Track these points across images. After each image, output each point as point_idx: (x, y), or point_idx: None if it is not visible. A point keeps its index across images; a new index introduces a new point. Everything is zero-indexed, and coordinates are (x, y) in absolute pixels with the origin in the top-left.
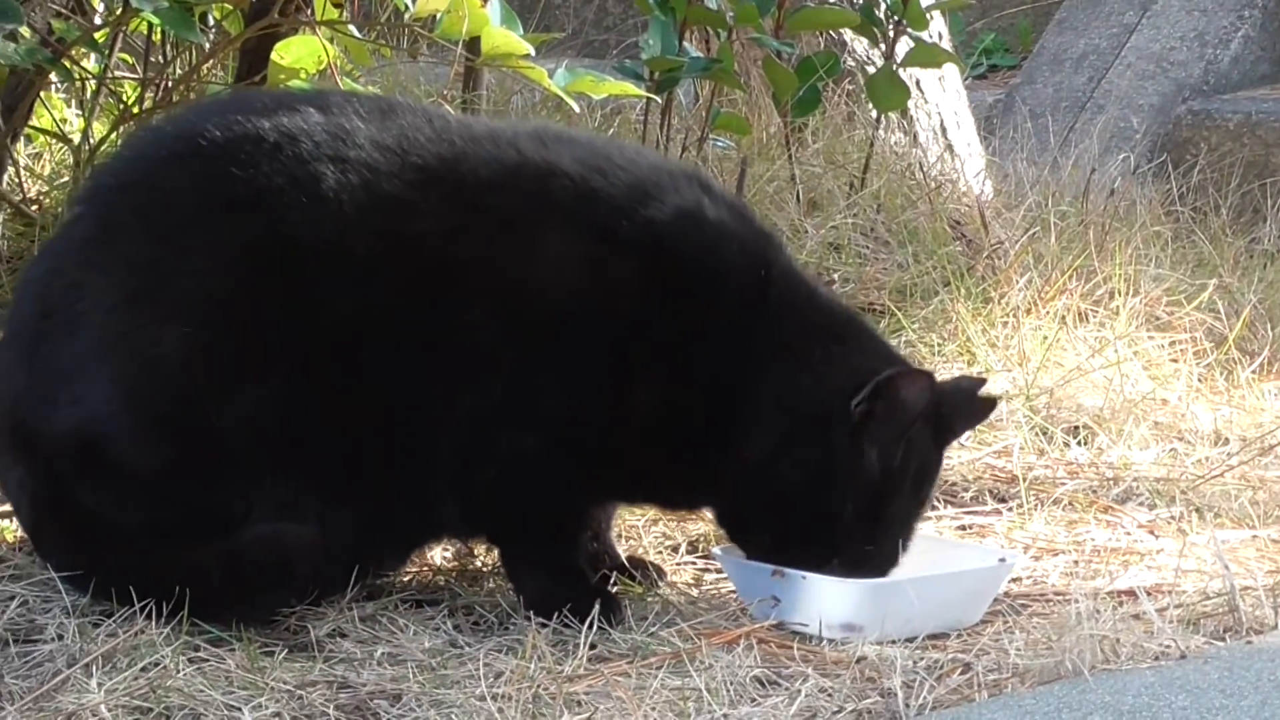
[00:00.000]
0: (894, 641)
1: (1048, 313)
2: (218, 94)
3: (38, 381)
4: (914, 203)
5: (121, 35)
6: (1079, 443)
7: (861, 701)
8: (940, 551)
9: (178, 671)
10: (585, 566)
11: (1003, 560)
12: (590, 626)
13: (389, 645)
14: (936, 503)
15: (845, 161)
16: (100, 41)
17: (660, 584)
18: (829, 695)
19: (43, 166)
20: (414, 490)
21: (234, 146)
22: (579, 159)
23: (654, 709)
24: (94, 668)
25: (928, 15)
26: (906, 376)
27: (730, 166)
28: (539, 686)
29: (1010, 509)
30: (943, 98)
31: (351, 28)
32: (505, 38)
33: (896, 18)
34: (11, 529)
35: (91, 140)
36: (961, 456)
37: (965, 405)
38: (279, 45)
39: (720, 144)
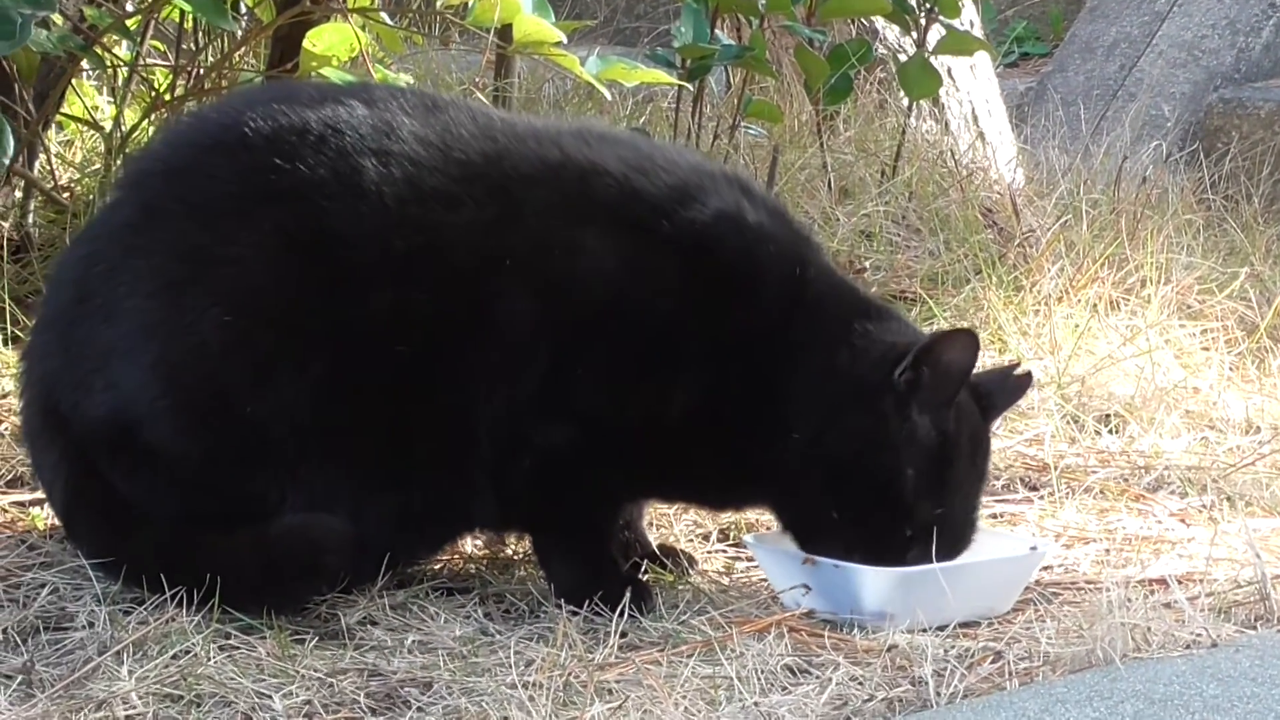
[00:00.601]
0: (925, 630)
1: (1079, 301)
2: (250, 81)
3: (74, 366)
4: (945, 190)
5: (153, 22)
6: (1110, 431)
7: (892, 690)
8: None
9: (208, 659)
10: (617, 555)
11: (1034, 549)
12: (621, 615)
13: (420, 633)
14: None
15: (877, 149)
16: (132, 28)
17: (691, 572)
18: (860, 684)
19: (74, 154)
20: (448, 482)
21: (278, 137)
22: (621, 159)
23: (685, 697)
24: (125, 655)
25: (959, 3)
26: (948, 337)
27: (762, 154)
28: (570, 674)
29: (1041, 497)
30: (974, 85)
31: (384, 15)
32: (537, 25)
33: (928, 5)
34: (43, 516)
35: (123, 128)
36: (993, 445)
37: (1002, 382)
38: (311, 33)
39: (752, 132)
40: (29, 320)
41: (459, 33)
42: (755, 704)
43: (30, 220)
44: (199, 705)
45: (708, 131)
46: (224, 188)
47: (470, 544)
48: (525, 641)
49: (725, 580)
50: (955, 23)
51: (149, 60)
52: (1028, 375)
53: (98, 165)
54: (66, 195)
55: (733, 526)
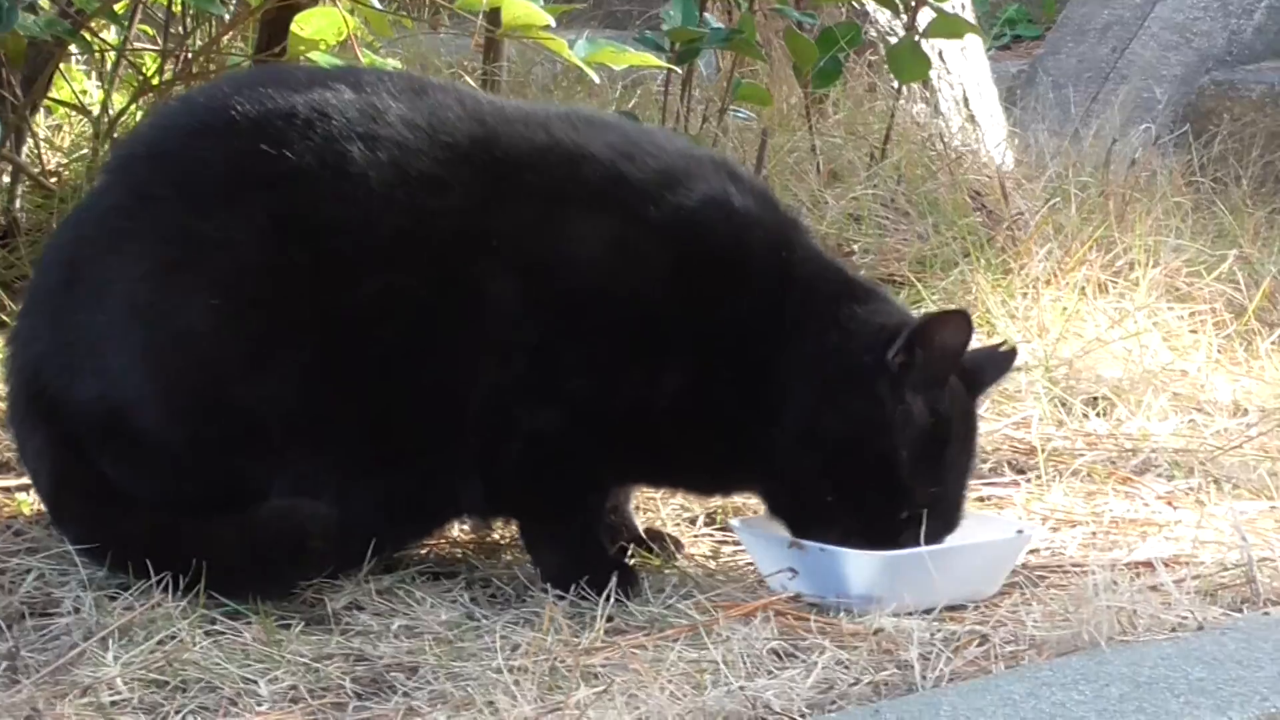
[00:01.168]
0: (911, 614)
1: (1067, 284)
2: (238, 65)
3: (61, 349)
4: (934, 174)
5: (141, 7)
6: (1098, 414)
7: (878, 673)
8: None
9: (194, 644)
10: (603, 539)
11: (1020, 532)
12: (607, 599)
13: (406, 618)
14: None
15: (866, 132)
16: (120, 13)
17: (678, 556)
18: (846, 667)
19: (62, 139)
20: (436, 467)
21: (266, 121)
22: (609, 144)
23: (671, 681)
24: (110, 641)
25: None
26: (941, 318)
27: (751, 137)
28: (556, 659)
29: (1029, 480)
30: (965, 68)
31: None
32: (526, 9)
33: None
34: (29, 502)
35: (111, 112)
36: (981, 427)
37: (988, 359)
38: (299, 16)
39: (741, 115)
40: (16, 306)
41: (448, 16)
42: (741, 688)
43: (18, 205)
44: (184, 690)
45: (697, 115)
46: (212, 172)
47: (457, 529)
48: (511, 626)
49: (711, 564)
50: (945, 5)
51: (137, 44)
52: (1013, 351)
53: (85, 150)
54: (54, 180)
55: (719, 510)
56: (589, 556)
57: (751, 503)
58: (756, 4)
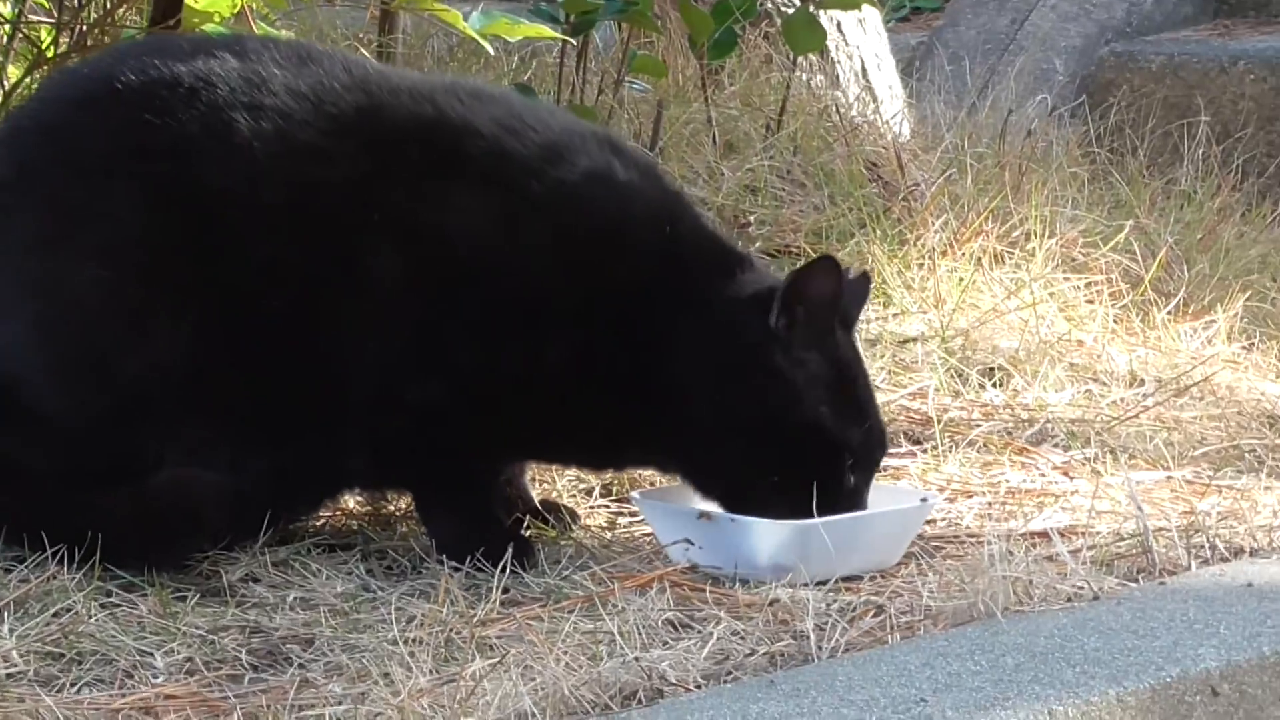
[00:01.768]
0: (807, 584)
1: (964, 254)
2: (132, 38)
3: None
4: (831, 145)
5: None
6: (994, 384)
7: (774, 644)
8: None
9: (90, 617)
10: (499, 510)
11: (924, 500)
12: (503, 570)
13: (301, 590)
14: None
15: (762, 104)
16: None
17: (574, 528)
18: (741, 638)
19: None
20: (324, 438)
21: (149, 91)
22: (494, 118)
23: (566, 652)
24: (5, 613)
25: None
26: (807, 270)
27: (647, 109)
28: (451, 630)
29: (925, 451)
30: (864, 40)
31: None
32: None
33: None
34: None
35: (6, 85)
36: (877, 399)
37: (848, 289)
38: None
39: (637, 87)
40: None
41: None
42: (636, 659)
43: None
44: (80, 663)
45: (592, 87)
46: (96, 143)
47: (352, 501)
48: (407, 598)
49: (608, 535)
50: None
51: (32, 17)
52: (865, 276)
53: None
54: None
55: (615, 482)
56: (484, 528)
57: (648, 475)
58: None
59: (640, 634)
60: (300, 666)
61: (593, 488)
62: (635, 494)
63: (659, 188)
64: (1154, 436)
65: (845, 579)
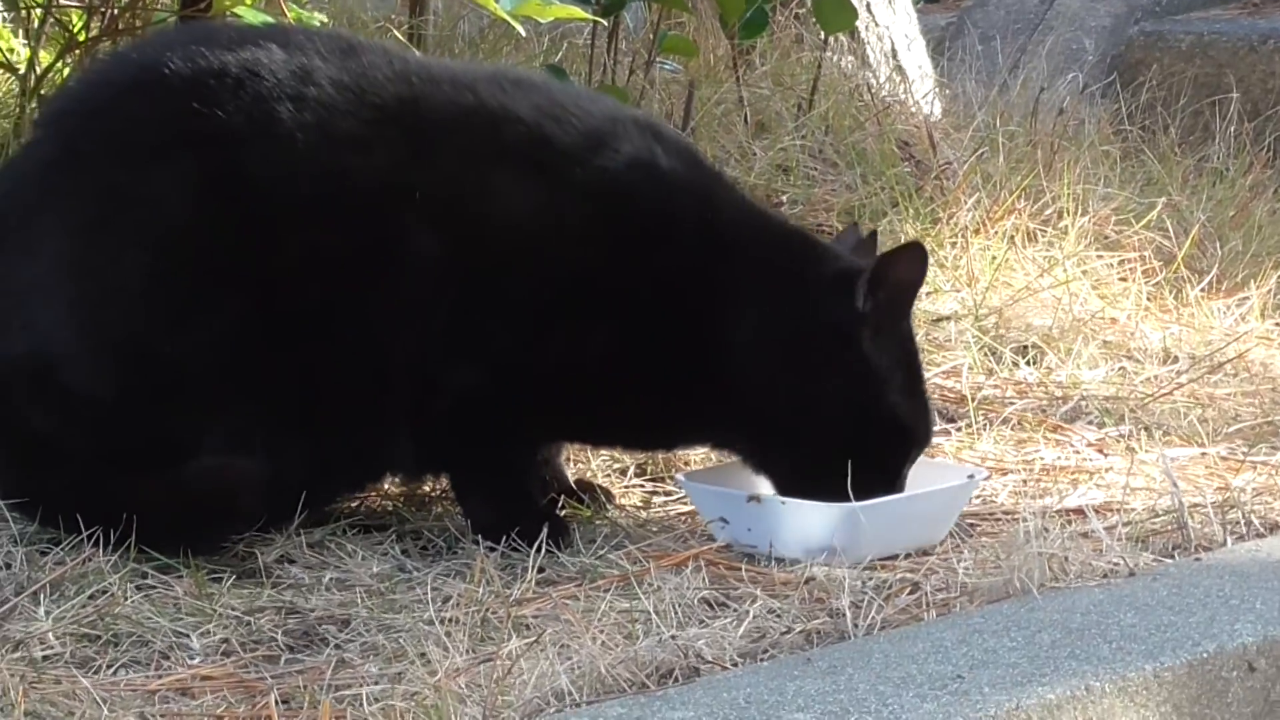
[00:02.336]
0: (848, 565)
1: (996, 233)
2: (164, 21)
3: None
4: (862, 124)
5: None
6: (1028, 362)
7: (810, 622)
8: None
9: (125, 599)
10: (534, 491)
11: (971, 477)
12: (538, 550)
13: (337, 571)
14: None
15: (793, 84)
16: None
17: (609, 507)
18: (777, 616)
19: None
20: (366, 423)
21: (197, 79)
22: (535, 105)
23: (602, 631)
24: (42, 595)
25: None
26: (896, 255)
27: (678, 90)
28: (487, 610)
29: (959, 429)
30: (893, 20)
31: None
32: None
33: None
34: None
35: (38, 69)
36: None
37: (860, 249)
38: None
39: (667, 67)
40: None
41: None
42: (673, 637)
43: None
44: (116, 645)
45: (623, 67)
46: (144, 129)
47: (388, 482)
48: (443, 578)
49: (643, 514)
50: None
51: (63, 1)
52: (873, 234)
53: (13, 107)
54: None
55: (650, 461)
56: (520, 508)
57: (685, 455)
58: None
59: (676, 612)
60: (336, 647)
61: (627, 467)
62: (680, 476)
63: (701, 172)
64: (1188, 413)
65: (881, 557)
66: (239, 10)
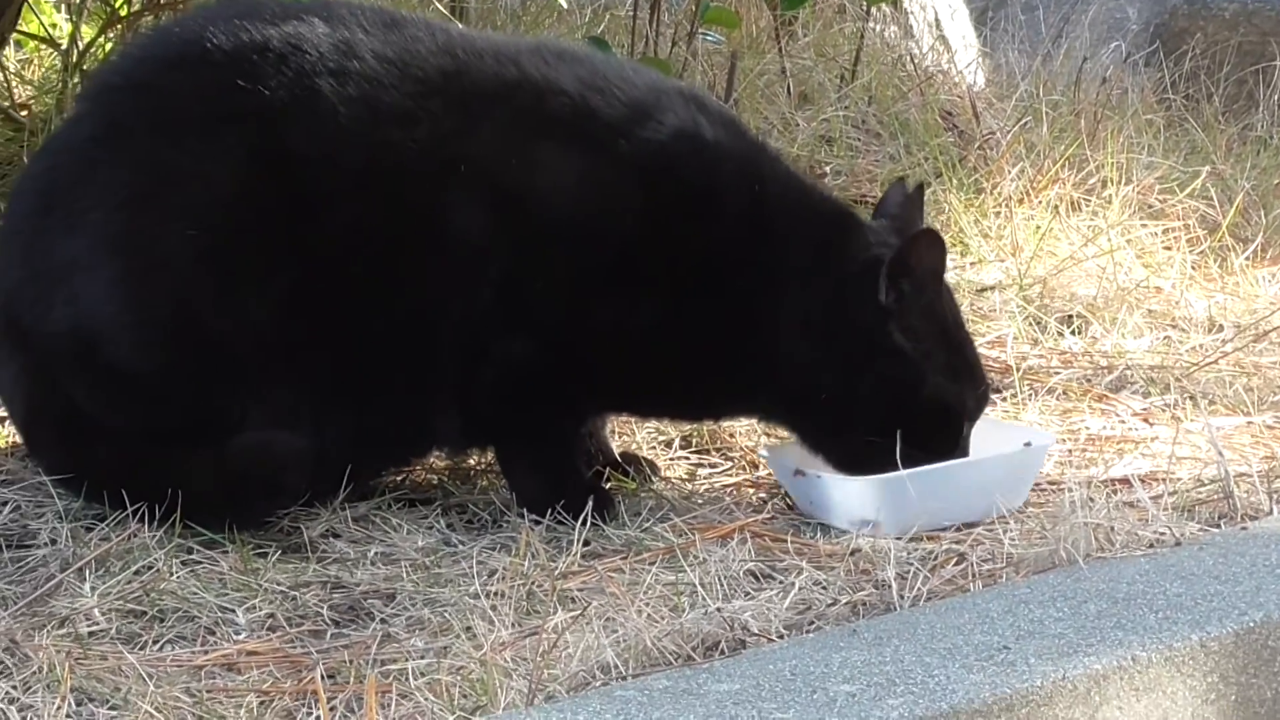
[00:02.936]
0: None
1: (1040, 202)
2: None
3: (35, 279)
4: (905, 94)
5: None
6: (1073, 332)
7: (856, 594)
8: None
9: (171, 574)
10: (579, 464)
11: (1028, 444)
12: (584, 523)
13: (382, 545)
14: None
15: (836, 54)
16: None
17: (654, 480)
18: (823, 588)
19: (31, 72)
20: (413, 396)
21: (240, 54)
22: (579, 77)
23: (648, 604)
24: (87, 571)
25: None
26: (912, 245)
27: (720, 61)
28: (533, 583)
29: (1005, 399)
30: None
31: None
32: None
33: None
34: (5, 434)
35: (80, 45)
36: None
37: (910, 202)
38: None
39: (710, 38)
40: None
41: None
42: (718, 609)
43: None
44: (162, 620)
45: (665, 39)
46: (187, 103)
47: (433, 456)
48: (488, 551)
49: (688, 487)
50: None
51: None
52: (920, 186)
53: (55, 83)
54: (24, 113)
55: (695, 434)
56: (565, 481)
57: (729, 426)
58: None
59: (722, 585)
60: (382, 621)
61: (672, 440)
62: (763, 451)
63: (745, 143)
64: (1233, 382)
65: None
66: None
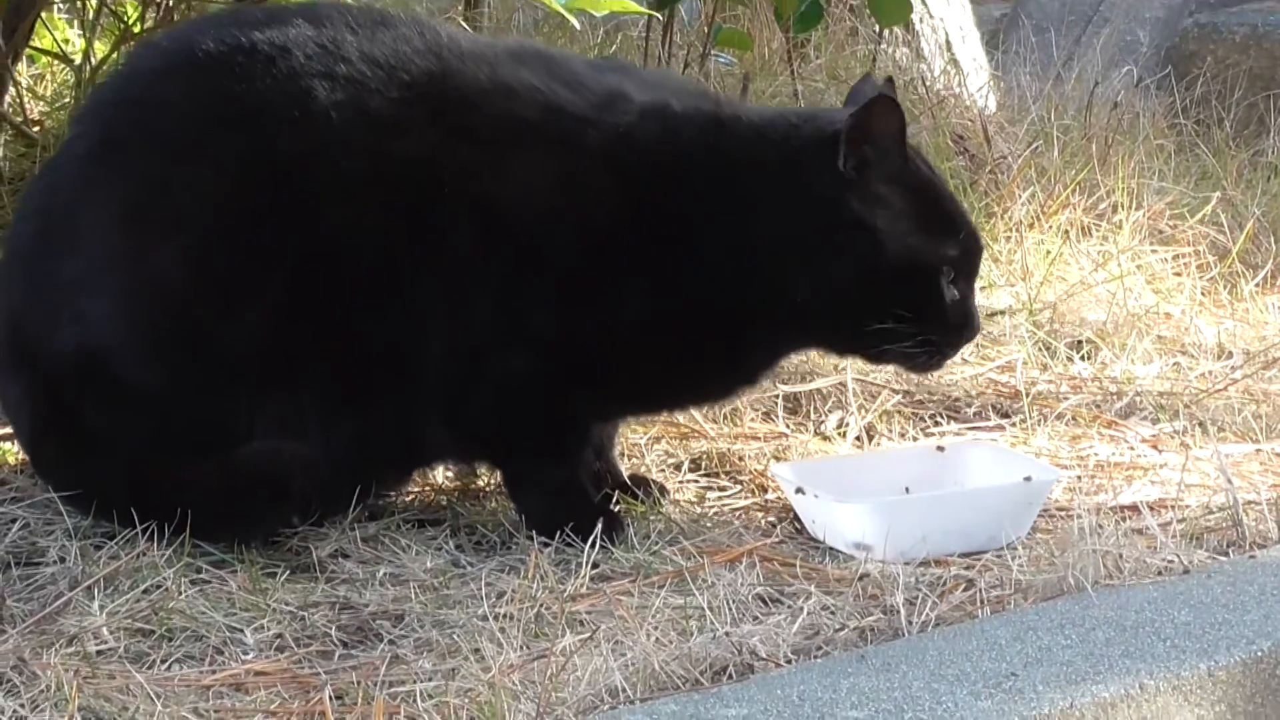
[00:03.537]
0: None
1: (1050, 227)
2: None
3: (38, 299)
4: (916, 117)
5: None
6: (1082, 357)
7: (864, 619)
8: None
9: (180, 593)
10: (587, 485)
11: (1028, 479)
12: (593, 545)
13: (391, 565)
14: (939, 417)
15: (848, 76)
16: None
17: (663, 502)
18: (831, 612)
19: (45, 88)
20: (408, 409)
21: (228, 61)
22: (553, 75)
23: (656, 627)
24: (96, 590)
25: None
26: (866, 110)
27: (732, 83)
28: (541, 606)
29: (1013, 424)
30: (948, 12)
31: None
32: None
33: None
34: (13, 451)
35: (93, 61)
36: (965, 371)
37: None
38: None
39: (723, 60)
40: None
41: None
42: (727, 634)
43: (0, 155)
44: (170, 639)
45: (678, 60)
46: (178, 115)
47: (441, 475)
48: (497, 573)
49: (697, 510)
50: None
51: None
52: (889, 81)
53: (68, 99)
54: (37, 129)
55: (704, 457)
56: (573, 503)
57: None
58: None
59: (730, 609)
60: (390, 643)
61: (681, 462)
62: (775, 468)
63: (706, 100)
64: (1243, 409)
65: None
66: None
